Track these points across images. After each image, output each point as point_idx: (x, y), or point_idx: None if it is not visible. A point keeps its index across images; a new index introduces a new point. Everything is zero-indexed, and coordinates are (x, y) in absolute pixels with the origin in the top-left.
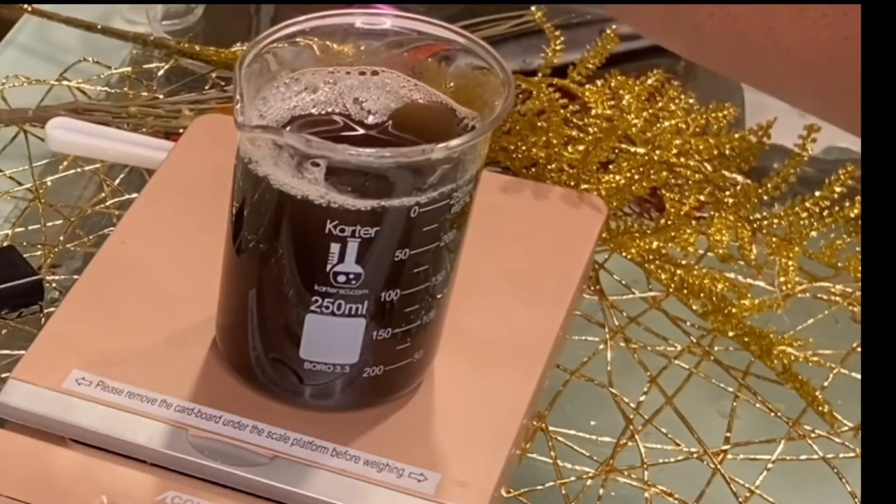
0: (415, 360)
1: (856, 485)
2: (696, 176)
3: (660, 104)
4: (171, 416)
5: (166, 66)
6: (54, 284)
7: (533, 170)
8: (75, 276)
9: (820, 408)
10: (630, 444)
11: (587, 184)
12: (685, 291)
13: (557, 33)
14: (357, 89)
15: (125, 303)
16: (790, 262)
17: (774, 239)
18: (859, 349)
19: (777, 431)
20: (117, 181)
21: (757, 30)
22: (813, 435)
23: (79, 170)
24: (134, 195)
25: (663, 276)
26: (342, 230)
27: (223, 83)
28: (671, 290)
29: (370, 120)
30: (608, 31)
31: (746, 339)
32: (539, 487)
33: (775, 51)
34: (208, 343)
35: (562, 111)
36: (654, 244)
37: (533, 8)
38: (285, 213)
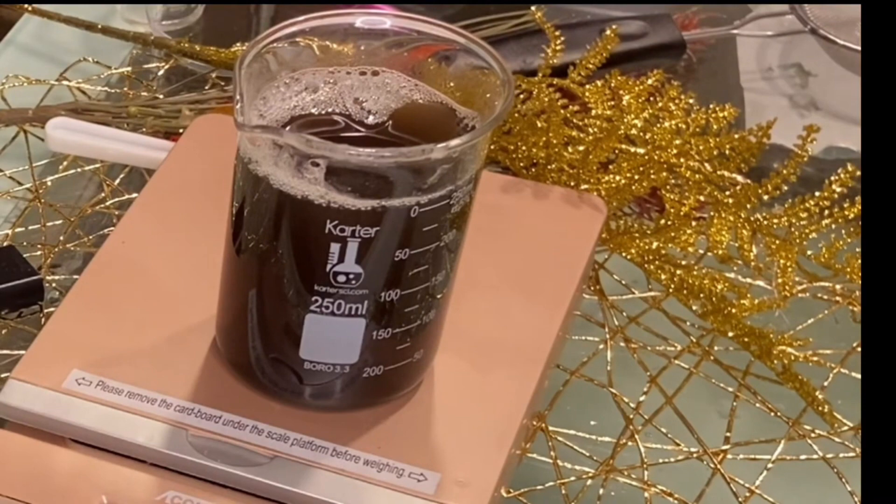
0: (415, 360)
1: (856, 485)
2: (696, 176)
3: (660, 104)
4: (171, 416)
5: (166, 66)
6: (54, 284)
7: (533, 170)
8: (75, 276)
9: (820, 408)
10: (630, 444)
11: (587, 184)
12: (685, 292)
13: (557, 33)
14: (357, 89)
15: (125, 303)
16: (789, 263)
17: (775, 240)
18: (859, 349)
19: (777, 431)
20: (117, 181)
21: None
22: (813, 435)
23: (79, 170)
24: (134, 195)
25: (663, 277)
26: (342, 230)
27: (223, 83)
28: (671, 290)
29: (370, 120)
30: (608, 31)
31: (746, 339)
32: (539, 487)
33: None
34: (208, 343)
35: (562, 111)
36: (654, 244)
37: (533, 8)
38: (285, 213)
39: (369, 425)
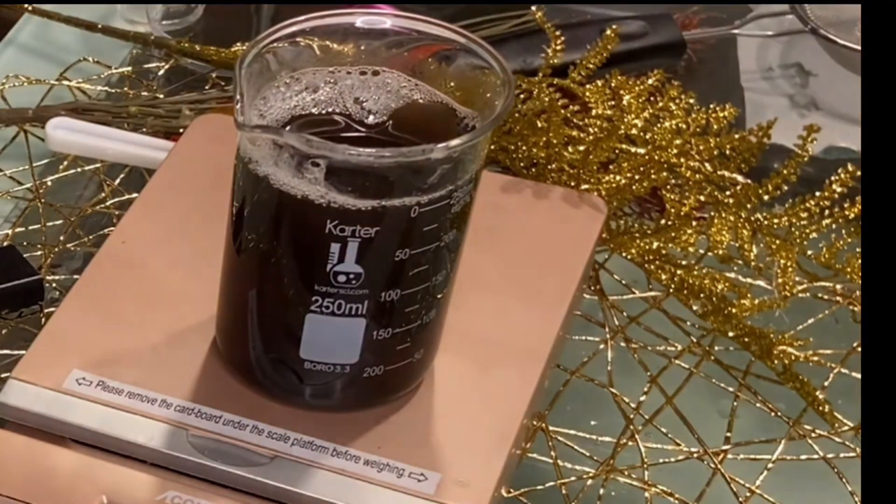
0: (415, 360)
1: (856, 485)
2: (696, 176)
3: (660, 104)
4: (171, 416)
5: (166, 66)
6: (54, 284)
7: (533, 170)
8: (75, 276)
9: (820, 408)
10: (630, 444)
11: (587, 184)
12: (685, 292)
13: (557, 33)
14: (357, 89)
15: (125, 303)
16: (789, 263)
17: (775, 240)
18: (859, 349)
19: (777, 431)
20: (117, 181)
21: None
22: (813, 435)
23: (79, 170)
24: (134, 195)
25: (663, 277)
26: (342, 230)
27: (223, 83)
28: (671, 290)
29: (370, 120)
30: (608, 31)
31: (746, 339)
32: (539, 487)
33: None
34: (208, 343)
35: (562, 111)
36: (655, 244)
37: (533, 8)
38: (285, 213)
39: (369, 425)
